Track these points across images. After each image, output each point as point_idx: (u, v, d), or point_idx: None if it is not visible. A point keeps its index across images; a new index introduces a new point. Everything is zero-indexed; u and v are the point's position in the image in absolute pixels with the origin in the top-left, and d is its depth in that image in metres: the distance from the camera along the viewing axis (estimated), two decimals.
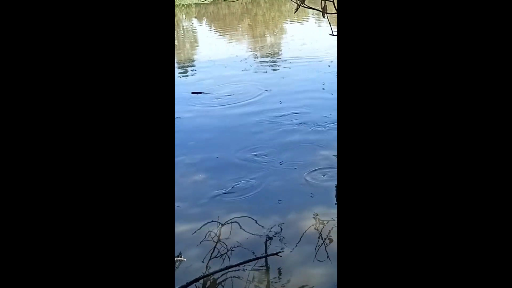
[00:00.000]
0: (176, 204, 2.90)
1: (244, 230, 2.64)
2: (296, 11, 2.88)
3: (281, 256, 2.26)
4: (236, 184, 3.24)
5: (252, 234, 2.57)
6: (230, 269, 2.22)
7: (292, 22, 11.69)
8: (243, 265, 2.24)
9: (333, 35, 3.02)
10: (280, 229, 2.60)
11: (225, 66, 7.56)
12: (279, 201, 2.99)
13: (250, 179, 3.32)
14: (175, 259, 2.39)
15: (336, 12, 2.86)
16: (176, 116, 4.95)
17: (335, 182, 3.02)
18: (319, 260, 2.26)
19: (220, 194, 3.14)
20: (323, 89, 5.54)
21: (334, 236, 2.42)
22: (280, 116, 4.65)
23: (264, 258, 2.28)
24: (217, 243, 2.45)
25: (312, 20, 11.45)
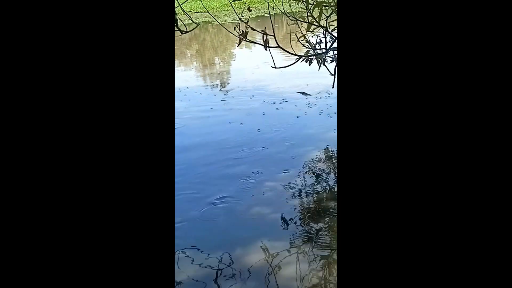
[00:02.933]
0: None
1: None
2: (238, 45, 2.95)
3: None
4: None
5: None
6: None
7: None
8: None
9: (275, 67, 3.10)
10: None
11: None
12: None
13: None
14: None
15: (277, 45, 2.95)
16: None
17: None
18: None
19: None
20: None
21: None
22: None
23: None
24: None
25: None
